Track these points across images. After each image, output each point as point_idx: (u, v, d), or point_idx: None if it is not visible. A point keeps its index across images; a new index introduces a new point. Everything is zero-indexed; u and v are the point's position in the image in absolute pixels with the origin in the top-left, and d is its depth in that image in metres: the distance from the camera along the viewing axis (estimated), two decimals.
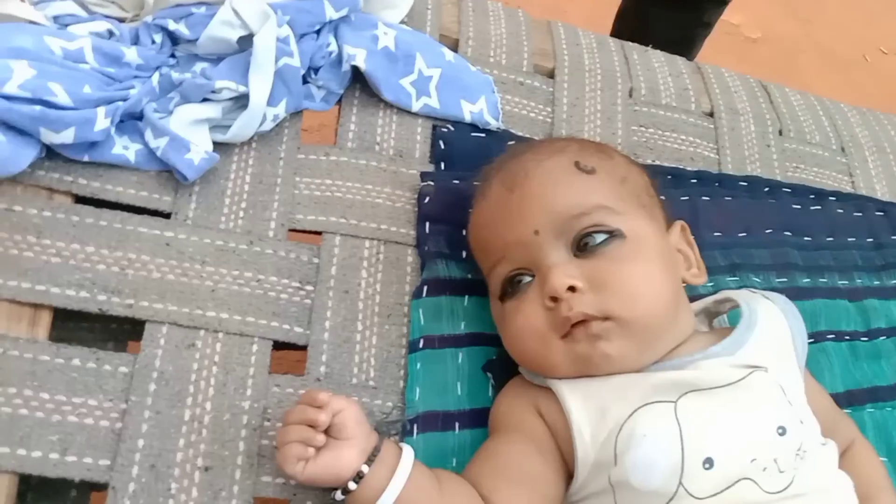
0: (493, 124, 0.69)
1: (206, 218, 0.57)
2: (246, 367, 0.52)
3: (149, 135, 0.57)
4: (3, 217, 0.52)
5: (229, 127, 0.59)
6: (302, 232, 0.60)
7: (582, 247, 0.51)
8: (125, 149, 0.57)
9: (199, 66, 0.61)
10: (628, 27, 1.16)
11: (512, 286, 0.52)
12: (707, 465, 0.46)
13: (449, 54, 0.70)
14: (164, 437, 0.48)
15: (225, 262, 0.55)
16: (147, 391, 0.49)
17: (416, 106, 0.67)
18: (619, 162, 0.57)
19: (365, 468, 0.45)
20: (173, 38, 0.61)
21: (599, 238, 0.51)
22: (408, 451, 0.47)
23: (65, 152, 0.55)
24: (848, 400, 0.68)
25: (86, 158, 0.56)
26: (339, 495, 0.45)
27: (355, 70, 0.65)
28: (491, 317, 0.59)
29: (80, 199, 0.55)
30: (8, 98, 0.51)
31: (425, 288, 0.59)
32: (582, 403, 0.49)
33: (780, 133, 0.84)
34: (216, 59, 0.61)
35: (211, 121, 0.59)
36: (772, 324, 0.56)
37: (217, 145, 0.60)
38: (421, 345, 0.57)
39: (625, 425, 0.48)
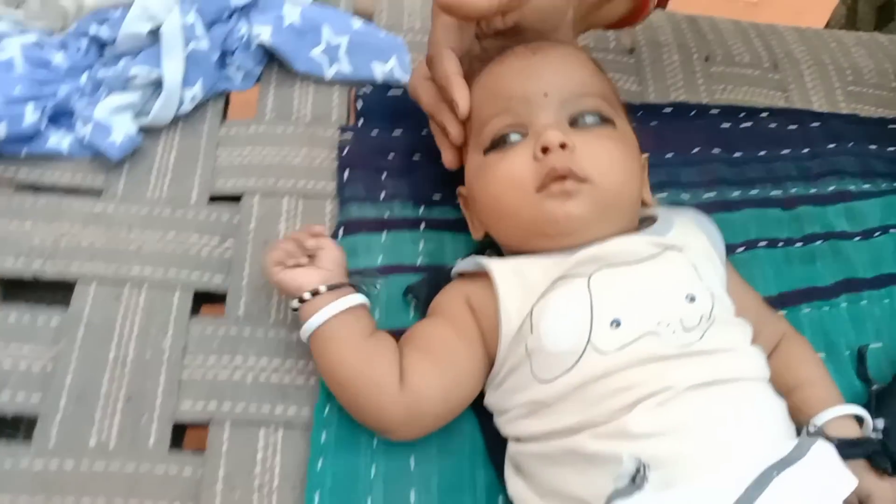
0: (405, 79, 0.74)
1: (134, 192, 0.64)
2: (167, 314, 0.58)
3: (78, 125, 0.64)
4: None
5: None
6: (224, 199, 0.66)
7: (578, 121, 0.55)
8: (59, 142, 0.64)
9: (122, 62, 0.68)
10: None
11: (501, 141, 0.55)
12: (614, 325, 0.49)
13: (357, 23, 0.75)
14: (90, 373, 0.54)
15: (149, 226, 0.62)
16: (75, 337, 0.55)
17: (328, 73, 0.73)
18: (614, 86, 0.63)
19: (322, 288, 0.53)
20: (100, 42, 0.69)
21: (595, 119, 0.56)
22: (360, 296, 0.54)
23: (3, 149, 0.62)
24: (782, 302, 0.69)
25: (24, 153, 0.63)
26: (295, 303, 0.53)
27: (272, 50, 0.71)
28: (410, 251, 0.64)
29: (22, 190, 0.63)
30: None
31: (341, 229, 0.64)
32: (509, 278, 0.53)
33: (707, 59, 0.85)
34: (136, 54, 0.68)
35: (133, 106, 0.66)
36: (686, 227, 0.59)
37: (146, 130, 0.67)
38: None
39: (542, 297, 0.51)
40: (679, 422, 0.46)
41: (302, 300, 0.53)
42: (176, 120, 0.68)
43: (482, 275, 0.55)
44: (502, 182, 0.54)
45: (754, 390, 0.50)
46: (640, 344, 0.48)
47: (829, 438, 0.52)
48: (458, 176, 0.66)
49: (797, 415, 0.56)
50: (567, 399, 0.49)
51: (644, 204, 0.60)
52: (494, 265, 0.54)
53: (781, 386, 0.58)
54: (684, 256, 0.54)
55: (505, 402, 0.53)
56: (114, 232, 0.61)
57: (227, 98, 0.73)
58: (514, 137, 0.55)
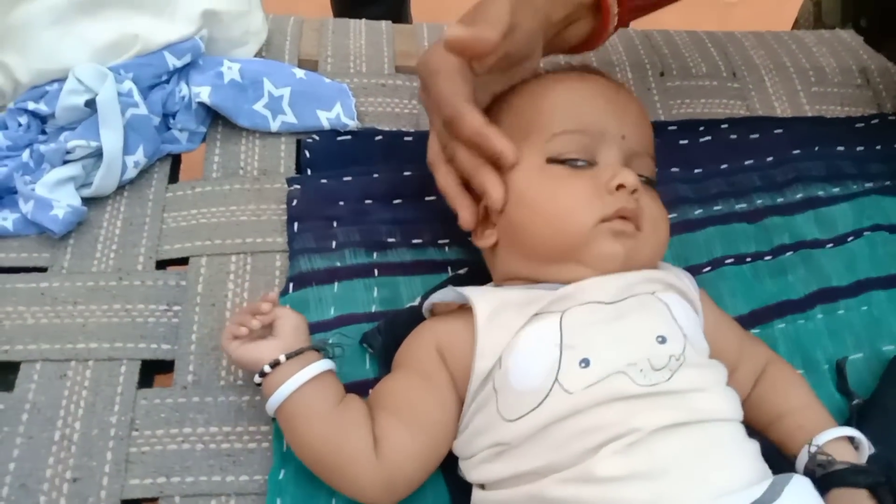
0: (351, 124, 0.73)
1: (80, 264, 0.63)
2: (114, 387, 0.57)
3: (20, 203, 0.64)
4: None
5: None
6: (172, 263, 0.65)
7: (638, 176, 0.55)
8: (3, 220, 0.64)
9: (63, 136, 0.67)
10: None
11: (567, 160, 0.55)
12: (583, 365, 0.48)
13: (300, 73, 0.74)
14: (34, 458, 0.53)
15: (95, 299, 0.61)
16: (20, 421, 0.54)
17: (274, 125, 0.72)
18: None
19: (283, 358, 0.51)
20: (41, 117, 0.69)
21: (650, 180, 0.57)
22: (324, 362, 0.52)
23: None
24: (754, 320, 0.67)
25: None
26: (256, 378, 0.52)
27: (214, 108, 0.71)
28: (364, 299, 0.63)
29: None
30: None
31: (290, 285, 0.63)
32: (489, 315, 0.51)
33: (662, 74, 0.84)
34: (76, 126, 0.68)
35: (75, 179, 0.65)
36: (662, 267, 0.58)
37: (92, 200, 0.66)
38: None
39: (516, 334, 0.50)
40: (646, 465, 0.45)
41: (263, 374, 0.51)
42: (122, 187, 0.68)
43: (456, 311, 0.54)
44: (572, 197, 0.53)
45: (725, 431, 0.48)
46: (607, 383, 0.47)
47: (832, 461, 0.51)
48: (414, 218, 0.65)
49: (789, 442, 0.55)
50: (532, 440, 0.47)
51: None
52: (477, 298, 0.52)
53: (769, 414, 0.57)
54: (659, 298, 0.53)
55: (471, 444, 0.51)
56: (59, 308, 0.60)
57: (177, 160, 0.73)
58: (580, 162, 0.55)
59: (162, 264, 0.65)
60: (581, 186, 0.53)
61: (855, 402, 0.63)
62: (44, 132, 0.69)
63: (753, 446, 0.49)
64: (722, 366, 0.52)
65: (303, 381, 0.50)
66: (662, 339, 0.49)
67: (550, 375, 0.47)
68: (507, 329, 0.50)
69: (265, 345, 0.52)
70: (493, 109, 0.61)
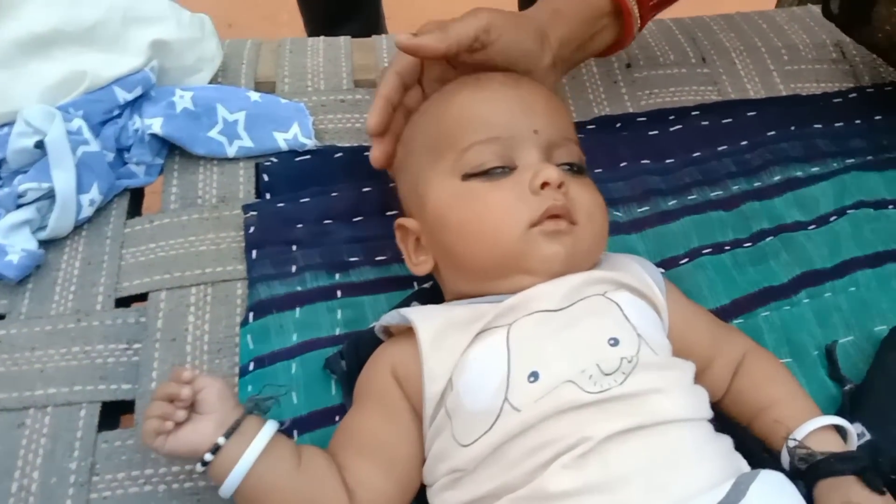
0: (309, 143, 0.72)
1: (38, 309, 0.62)
2: (73, 432, 0.55)
3: None
4: None
5: None
6: (134, 299, 0.64)
7: (562, 166, 0.54)
8: None
9: (17, 179, 0.67)
10: None
11: (486, 171, 0.53)
12: (532, 379, 0.46)
13: (255, 96, 0.73)
14: None
15: (54, 343, 0.60)
16: None
17: (230, 151, 0.71)
18: None
19: (221, 440, 0.46)
20: None
21: (576, 167, 0.55)
22: (268, 426, 0.48)
23: None
24: (736, 310, 0.64)
25: None
26: (199, 467, 0.47)
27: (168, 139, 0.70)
28: (328, 322, 0.61)
29: None
30: None
31: (251, 314, 0.61)
32: (433, 337, 0.49)
33: (629, 66, 0.82)
34: (28, 169, 0.67)
35: (30, 223, 0.64)
36: (620, 260, 0.56)
37: (50, 242, 0.66)
38: (251, 367, 0.59)
39: (464, 353, 0.48)
40: (600, 476, 0.42)
41: (204, 463, 0.47)
42: (80, 226, 0.67)
43: (408, 332, 0.52)
44: (496, 212, 0.51)
45: (686, 433, 0.45)
46: (555, 395, 0.45)
47: (813, 453, 0.48)
48: (375, 235, 0.64)
49: (771, 438, 0.52)
50: (486, 463, 0.45)
51: None
52: (419, 320, 0.50)
53: (751, 408, 0.54)
54: (610, 299, 0.50)
55: (433, 471, 0.49)
56: (17, 355, 0.59)
57: (139, 193, 0.72)
58: (499, 169, 0.53)
59: (122, 302, 0.63)
60: (502, 196, 0.51)
61: (847, 387, 0.60)
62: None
63: (722, 444, 0.47)
64: (686, 363, 0.50)
65: (253, 458, 0.46)
66: (614, 342, 0.47)
67: (500, 394, 0.45)
68: (453, 349, 0.48)
69: (196, 428, 0.47)
70: (406, 133, 0.60)
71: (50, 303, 0.62)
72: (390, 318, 0.53)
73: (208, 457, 0.46)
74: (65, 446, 0.55)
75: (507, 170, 0.52)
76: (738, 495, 0.42)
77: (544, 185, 0.51)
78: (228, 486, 0.47)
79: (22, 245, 0.63)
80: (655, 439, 0.44)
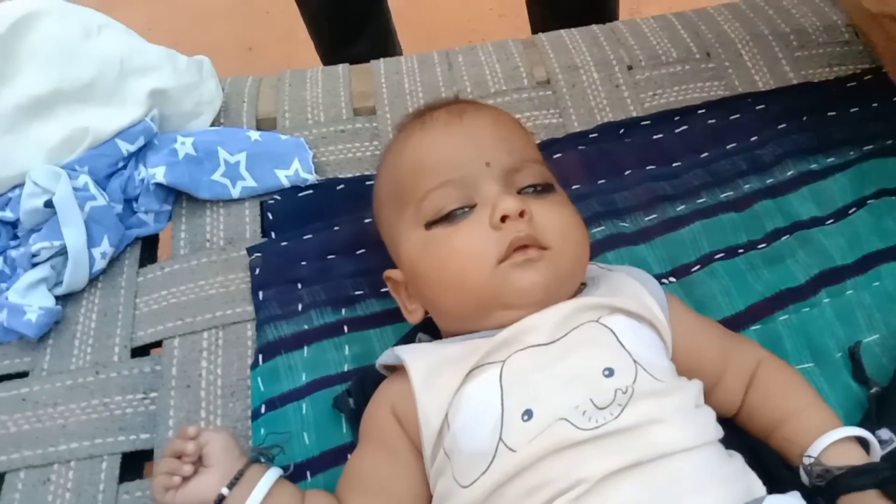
0: (310, 178, 0.72)
1: (59, 364, 0.64)
2: (96, 485, 0.57)
3: None
4: None
5: None
6: (151, 346, 0.65)
7: (523, 190, 0.53)
8: None
9: (32, 238, 0.69)
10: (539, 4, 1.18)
11: (446, 215, 0.52)
12: (526, 417, 0.45)
13: (255, 134, 0.74)
14: None
15: (74, 397, 0.61)
16: None
17: (235, 192, 0.72)
18: None
19: (225, 491, 0.48)
20: (11, 224, 0.70)
21: (540, 187, 0.54)
22: (269, 473, 0.50)
23: None
24: (752, 316, 0.62)
25: None
26: None
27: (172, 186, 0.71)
28: (336, 359, 0.61)
29: None
30: None
31: (260, 356, 0.62)
32: (426, 377, 0.49)
33: (630, 68, 0.80)
34: (41, 227, 0.69)
35: (47, 280, 0.66)
36: (616, 281, 0.55)
37: (68, 296, 0.68)
38: (263, 410, 0.59)
39: (457, 393, 0.48)
40: None
41: None
42: (95, 279, 0.69)
43: (404, 369, 0.52)
44: (460, 256, 0.51)
45: (689, 463, 0.44)
46: (550, 433, 0.44)
47: (829, 469, 0.47)
48: (379, 266, 0.64)
49: (788, 455, 0.51)
50: None
51: None
52: (411, 360, 0.51)
53: (766, 422, 0.53)
54: (604, 325, 0.49)
55: None
56: (41, 412, 0.61)
57: (153, 240, 0.73)
58: (460, 210, 0.52)
59: (139, 351, 0.65)
60: (465, 238, 0.51)
61: (873, 390, 0.57)
62: (16, 237, 0.71)
63: (730, 466, 0.46)
64: (691, 384, 0.48)
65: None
66: (609, 372, 0.46)
67: (494, 434, 0.45)
68: (446, 388, 0.48)
69: (202, 481, 0.49)
70: (375, 186, 0.60)
71: (70, 357, 0.64)
72: (386, 357, 0.54)
73: None
74: (89, 500, 0.56)
75: (467, 210, 0.52)
76: None
77: (504, 218, 0.50)
78: None
79: (39, 303, 0.65)
80: (654, 475, 0.43)
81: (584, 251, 0.54)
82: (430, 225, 0.53)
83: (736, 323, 0.62)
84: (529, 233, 0.50)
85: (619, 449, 0.43)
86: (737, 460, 0.48)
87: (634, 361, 0.47)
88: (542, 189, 0.54)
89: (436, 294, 0.53)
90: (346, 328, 0.63)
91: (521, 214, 0.50)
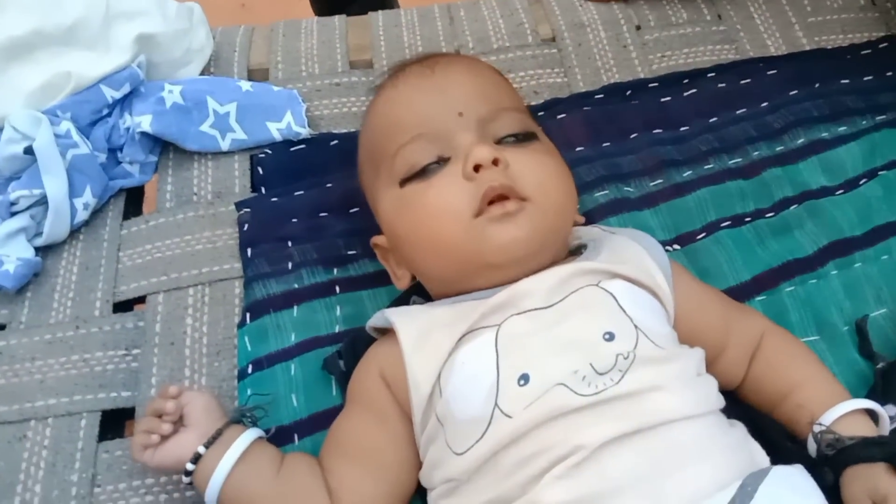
0: (303, 132, 0.70)
1: (38, 318, 0.61)
2: (74, 443, 0.55)
3: None
4: None
5: None
6: (133, 303, 0.63)
7: (502, 140, 0.51)
8: None
9: (11, 186, 0.66)
10: None
11: (421, 171, 0.50)
12: (522, 382, 0.43)
13: (246, 85, 0.71)
14: None
15: (53, 352, 0.59)
16: None
17: (224, 145, 0.69)
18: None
19: (202, 450, 0.47)
20: None
21: (521, 134, 0.51)
22: (246, 434, 0.48)
23: None
24: (758, 286, 0.61)
25: None
26: (184, 478, 0.48)
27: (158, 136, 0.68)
28: (327, 319, 0.59)
29: None
30: None
31: (248, 315, 0.60)
32: (416, 341, 0.48)
33: (639, 28, 0.77)
34: (20, 175, 0.66)
35: (26, 230, 0.63)
36: (619, 245, 0.52)
37: (48, 247, 0.65)
38: (250, 370, 0.57)
39: (449, 357, 0.46)
40: (596, 486, 0.40)
41: (188, 472, 0.47)
42: (77, 230, 0.66)
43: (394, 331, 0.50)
44: (433, 211, 0.48)
45: (689, 432, 0.42)
46: (547, 398, 0.42)
47: (840, 438, 0.46)
48: (373, 226, 0.61)
49: (795, 425, 0.50)
50: (480, 473, 0.43)
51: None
52: (401, 322, 0.49)
53: (771, 394, 0.52)
54: (604, 289, 0.47)
55: (430, 477, 0.47)
56: (17, 366, 0.58)
57: (138, 192, 0.70)
58: (433, 164, 0.50)
59: (121, 306, 0.62)
60: (437, 192, 0.48)
61: (880, 365, 0.56)
62: None
63: (732, 436, 0.44)
64: (693, 351, 0.47)
65: (230, 465, 0.47)
66: (609, 336, 0.44)
67: (490, 400, 0.43)
68: (437, 352, 0.46)
69: (180, 440, 0.48)
70: (358, 150, 0.58)
71: (49, 311, 0.62)
72: (375, 319, 0.52)
73: (189, 466, 0.47)
74: (66, 458, 0.54)
75: (441, 163, 0.49)
76: (744, 498, 0.39)
77: (477, 168, 0.47)
78: (209, 495, 0.47)
79: (18, 254, 0.62)
80: (654, 443, 0.41)
81: (568, 202, 0.51)
82: (403, 182, 0.50)
83: (741, 293, 0.60)
84: (504, 182, 0.47)
85: (618, 415, 0.42)
86: (739, 430, 0.46)
87: (635, 327, 0.45)
88: (522, 138, 0.51)
89: (416, 255, 0.51)
90: (337, 288, 0.61)
91: (496, 162, 0.47)
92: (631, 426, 0.41)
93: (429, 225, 0.49)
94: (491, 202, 0.47)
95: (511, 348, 0.45)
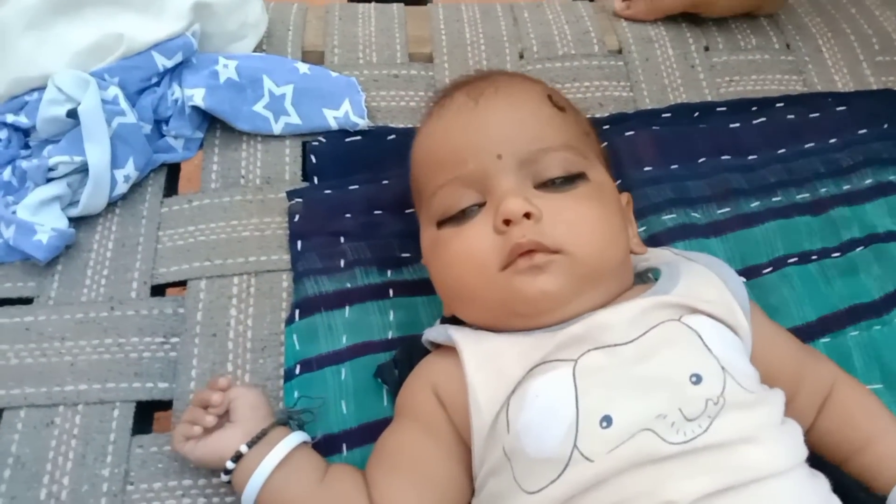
0: (361, 123, 0.66)
1: (69, 294, 0.57)
2: (106, 434, 0.51)
3: (2, 228, 0.58)
4: None
5: None
6: (171, 286, 0.59)
7: (544, 183, 0.47)
8: None
9: (46, 151, 0.61)
10: None
11: (454, 215, 0.48)
12: (605, 424, 0.40)
13: (303, 67, 0.67)
14: None
15: (85, 333, 0.55)
16: (2, 478, 0.49)
17: (276, 128, 0.65)
18: (583, 117, 0.55)
19: (244, 448, 0.46)
20: (23, 131, 0.63)
21: (564, 177, 0.48)
22: (292, 437, 0.47)
23: None
24: (823, 328, 0.59)
25: None
26: (223, 476, 0.46)
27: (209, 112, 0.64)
28: (379, 324, 0.56)
29: None
30: None
31: (297, 311, 0.56)
32: (481, 363, 0.45)
33: (707, 49, 0.75)
34: (60, 139, 0.62)
35: (61, 199, 0.59)
36: (696, 275, 0.49)
37: (81, 220, 0.61)
38: (298, 371, 0.54)
39: (518, 386, 0.43)
40: None
41: (227, 471, 0.46)
42: (113, 204, 0.62)
43: (453, 348, 0.47)
44: (460, 262, 0.47)
45: (782, 490, 0.40)
46: (633, 444, 0.40)
47: None
48: None
49: (874, 479, 0.47)
50: None
51: (633, 252, 0.51)
52: (465, 343, 0.46)
53: (844, 447, 0.49)
54: (688, 325, 0.45)
55: None
56: (45, 345, 0.54)
57: (175, 169, 0.66)
58: (470, 208, 0.47)
59: (158, 289, 0.59)
60: (466, 242, 0.46)
61: None
62: (27, 146, 0.63)
63: (819, 490, 0.42)
64: (775, 394, 0.44)
65: (270, 468, 0.45)
66: (697, 379, 0.41)
67: (568, 440, 0.40)
68: (505, 380, 0.43)
69: (224, 436, 0.46)
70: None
71: (81, 288, 0.58)
72: (436, 333, 0.49)
73: (230, 464, 0.45)
74: (97, 450, 0.51)
75: (476, 208, 0.47)
76: None
77: (507, 221, 0.45)
78: (247, 497, 0.45)
79: (52, 223, 0.58)
80: (748, 501, 0.38)
81: (609, 248, 0.47)
82: (440, 224, 0.49)
83: (806, 334, 0.58)
84: (533, 238, 0.44)
85: (710, 468, 0.39)
86: (823, 483, 0.44)
87: (722, 368, 0.42)
88: (565, 181, 0.47)
89: (446, 297, 0.50)
90: (391, 291, 0.58)
91: (528, 216, 0.45)
92: (725, 482, 0.39)
93: (457, 273, 0.47)
94: (519, 256, 0.45)
95: (590, 386, 0.42)
